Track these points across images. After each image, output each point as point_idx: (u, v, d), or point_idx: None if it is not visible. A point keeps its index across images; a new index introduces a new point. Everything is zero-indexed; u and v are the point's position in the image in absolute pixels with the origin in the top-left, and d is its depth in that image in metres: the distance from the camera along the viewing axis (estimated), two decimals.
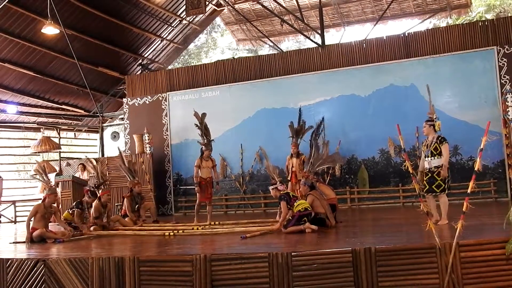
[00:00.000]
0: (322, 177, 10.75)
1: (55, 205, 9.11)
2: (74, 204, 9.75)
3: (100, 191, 9.81)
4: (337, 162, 10.91)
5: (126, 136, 14.26)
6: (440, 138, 7.25)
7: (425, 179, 7.30)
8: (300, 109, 11.69)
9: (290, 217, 7.52)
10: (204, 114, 10.84)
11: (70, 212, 9.51)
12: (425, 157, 7.33)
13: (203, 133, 10.60)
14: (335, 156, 9.60)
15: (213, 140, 10.72)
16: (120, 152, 11.91)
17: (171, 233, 8.23)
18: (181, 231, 8.45)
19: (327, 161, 9.22)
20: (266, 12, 16.48)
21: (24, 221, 9.25)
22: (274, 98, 12.77)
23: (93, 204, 9.58)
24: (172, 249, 6.77)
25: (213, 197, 12.60)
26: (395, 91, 11.85)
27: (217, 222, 9.39)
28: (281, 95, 12.69)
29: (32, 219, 8.46)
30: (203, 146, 10.39)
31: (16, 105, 16.07)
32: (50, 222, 8.96)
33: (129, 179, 11.00)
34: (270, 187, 8.26)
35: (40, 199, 9.39)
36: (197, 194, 10.17)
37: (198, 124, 10.71)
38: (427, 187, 7.27)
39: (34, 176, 12.18)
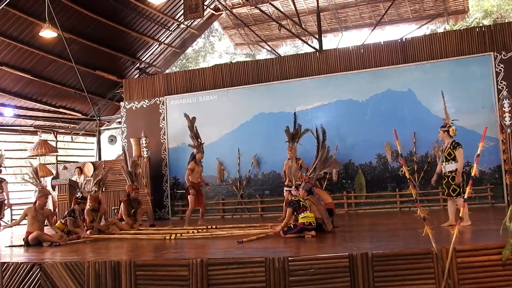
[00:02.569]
0: (319, 182, 10.74)
1: (50, 208, 9.08)
2: (66, 213, 9.70)
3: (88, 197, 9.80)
4: (335, 167, 10.95)
5: (123, 140, 14.24)
6: (454, 144, 7.44)
7: (443, 183, 7.59)
8: (294, 113, 11.68)
9: (292, 225, 7.49)
10: (194, 118, 10.76)
11: (63, 222, 9.48)
12: (441, 162, 7.58)
13: (195, 135, 10.55)
14: (333, 161, 9.59)
15: (203, 142, 10.67)
16: (124, 153, 11.80)
17: (172, 237, 8.23)
18: (179, 234, 8.46)
19: (328, 166, 9.24)
20: (264, 17, 16.52)
21: (21, 225, 9.24)
22: (272, 102, 12.77)
23: (85, 209, 9.58)
24: (169, 253, 6.75)
25: (210, 201, 12.65)
26: (392, 96, 11.87)
27: (214, 226, 9.37)
28: (278, 100, 12.69)
29: (26, 222, 8.45)
30: (195, 149, 10.35)
31: (13, 108, 16.07)
32: (46, 225, 8.93)
33: (128, 183, 10.98)
34: (286, 188, 8.27)
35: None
36: (190, 199, 10.10)
37: (188, 126, 10.65)
38: (446, 191, 7.54)
39: (27, 180, 12.12)
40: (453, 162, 7.38)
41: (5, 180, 10.83)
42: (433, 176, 8.01)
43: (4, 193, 10.64)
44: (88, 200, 9.70)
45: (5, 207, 10.87)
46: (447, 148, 7.46)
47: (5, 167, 11.33)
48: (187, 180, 10.16)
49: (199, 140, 10.50)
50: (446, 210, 10.50)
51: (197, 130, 10.61)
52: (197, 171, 10.24)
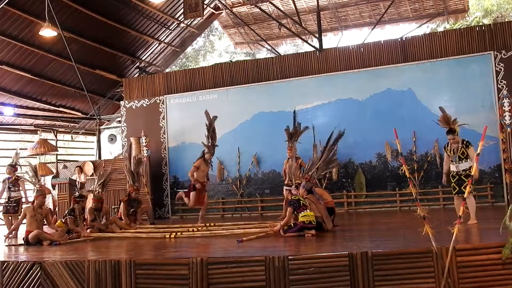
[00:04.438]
0: (319, 181, 10.72)
1: (50, 207, 9.09)
2: (66, 212, 9.72)
3: (92, 197, 9.84)
4: (334, 166, 10.91)
5: (123, 139, 14.24)
6: (465, 143, 7.67)
7: (453, 181, 7.74)
8: (294, 111, 11.67)
9: (292, 224, 7.48)
10: (215, 117, 10.73)
11: (63, 220, 9.49)
12: (451, 162, 7.76)
13: (210, 135, 10.51)
14: (332, 159, 9.57)
15: (217, 145, 10.66)
16: (130, 151, 11.75)
17: (172, 235, 8.24)
18: (179, 233, 8.48)
19: (330, 167, 9.26)
20: (264, 16, 16.52)
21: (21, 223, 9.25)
22: (272, 101, 12.76)
23: (87, 208, 9.58)
24: (169, 252, 6.76)
25: (210, 201, 12.63)
26: (392, 95, 11.86)
27: (212, 224, 9.39)
28: (278, 99, 12.68)
29: (25, 222, 8.48)
30: (206, 148, 10.31)
31: (13, 107, 16.06)
32: (45, 225, 8.95)
33: (129, 182, 10.97)
34: (285, 187, 8.28)
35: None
36: (191, 195, 10.04)
37: (207, 125, 10.61)
38: (457, 188, 7.66)
39: (27, 179, 12.13)
40: (466, 160, 7.60)
41: (21, 178, 10.90)
42: (442, 177, 8.17)
43: (22, 191, 10.74)
44: (92, 200, 9.73)
45: (23, 204, 10.93)
46: (460, 148, 7.65)
47: (20, 165, 11.42)
48: (191, 176, 10.12)
49: (213, 141, 10.47)
50: (447, 209, 10.64)
51: (214, 131, 10.56)
52: (203, 170, 10.22)
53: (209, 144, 10.37)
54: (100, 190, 10.04)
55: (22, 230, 9.16)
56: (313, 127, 10.62)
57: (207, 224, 9.39)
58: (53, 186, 13.59)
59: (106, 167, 13.05)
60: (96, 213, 9.66)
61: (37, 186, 11.07)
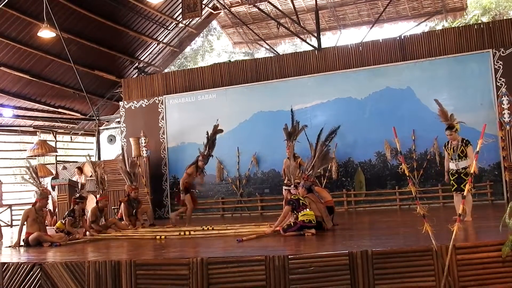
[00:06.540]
0: (318, 180, 10.71)
1: (50, 208, 9.07)
2: (66, 213, 9.71)
3: (98, 196, 9.83)
4: (329, 162, 10.86)
5: (123, 139, 14.23)
6: (465, 141, 7.71)
7: (452, 179, 7.80)
8: (292, 110, 11.68)
9: (292, 223, 7.47)
10: (220, 130, 10.74)
11: (63, 222, 9.48)
12: (451, 160, 7.80)
13: (209, 145, 10.52)
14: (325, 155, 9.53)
15: (212, 155, 10.70)
16: (123, 153, 11.79)
17: (162, 237, 8.21)
18: (177, 233, 8.45)
19: (325, 163, 9.24)
20: (263, 15, 16.50)
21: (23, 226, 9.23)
22: (271, 101, 12.76)
23: (90, 208, 9.57)
24: (169, 252, 6.75)
25: (210, 201, 12.73)
26: (391, 94, 11.87)
27: (210, 227, 9.30)
28: (277, 98, 12.68)
29: (25, 223, 8.46)
30: (201, 156, 10.29)
31: (12, 108, 16.06)
32: (47, 225, 8.93)
33: (127, 183, 10.96)
34: (284, 187, 8.28)
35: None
36: (187, 199, 10.05)
37: (208, 134, 10.62)
38: (455, 186, 7.74)
39: (28, 180, 12.09)
40: (465, 159, 7.64)
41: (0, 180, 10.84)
42: (445, 176, 8.12)
43: None
44: (102, 199, 9.76)
45: None
46: (460, 146, 7.68)
47: None
48: (182, 183, 10.15)
49: (210, 151, 10.48)
50: (446, 207, 10.64)
51: (214, 142, 10.57)
52: (194, 177, 10.27)
53: (205, 153, 10.37)
54: (103, 188, 10.10)
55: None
56: (303, 127, 10.65)
57: (205, 227, 9.26)
58: (53, 187, 13.58)
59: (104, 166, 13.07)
60: (99, 214, 9.66)
61: (40, 188, 11.03)
